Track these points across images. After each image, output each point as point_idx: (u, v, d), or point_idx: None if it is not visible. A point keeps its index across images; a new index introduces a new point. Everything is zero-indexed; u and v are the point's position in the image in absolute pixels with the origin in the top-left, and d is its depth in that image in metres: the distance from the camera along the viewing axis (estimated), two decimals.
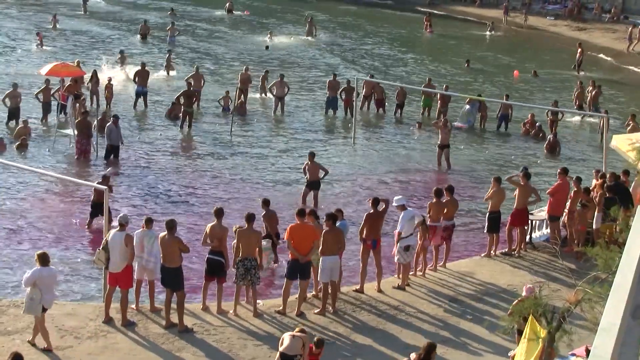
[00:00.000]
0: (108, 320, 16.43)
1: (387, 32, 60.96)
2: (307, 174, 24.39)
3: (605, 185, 21.08)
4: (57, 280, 15.83)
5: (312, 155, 24.69)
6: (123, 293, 16.46)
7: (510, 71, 48.45)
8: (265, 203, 19.93)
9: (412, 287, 18.89)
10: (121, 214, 17.55)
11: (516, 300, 14.87)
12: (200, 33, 55.59)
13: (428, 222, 19.57)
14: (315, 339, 14.62)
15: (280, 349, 14.12)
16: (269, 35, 53.84)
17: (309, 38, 55.83)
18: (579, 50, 49.35)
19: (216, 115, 34.71)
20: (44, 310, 15.31)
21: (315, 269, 17.69)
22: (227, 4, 64.97)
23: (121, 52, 42.66)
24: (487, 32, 63.14)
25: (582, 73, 48.38)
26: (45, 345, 15.30)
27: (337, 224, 17.70)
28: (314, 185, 24.32)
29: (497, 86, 44.51)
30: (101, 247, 16.65)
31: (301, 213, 17.64)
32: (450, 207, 20.15)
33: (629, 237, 4.90)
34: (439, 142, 29.25)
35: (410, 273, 19.35)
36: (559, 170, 22.24)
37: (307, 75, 43.98)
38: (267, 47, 50.67)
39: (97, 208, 21.15)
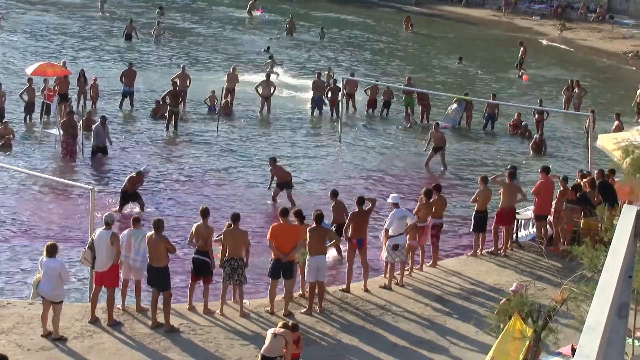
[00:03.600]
0: (94, 320, 16.40)
1: (374, 32, 60.95)
2: (276, 178, 24.63)
3: (598, 182, 21.21)
4: (62, 274, 15.74)
5: (273, 160, 24.80)
6: (109, 292, 16.44)
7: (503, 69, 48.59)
8: (334, 194, 20.12)
9: (398, 287, 18.90)
10: (107, 213, 17.53)
11: (504, 299, 14.93)
12: (202, 32, 55.47)
13: (416, 222, 19.59)
14: (289, 323, 14.63)
15: (262, 350, 14.13)
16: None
17: (289, 36, 56.08)
18: (522, 48, 49.48)
19: (202, 114, 34.64)
20: (54, 302, 15.65)
21: (302, 268, 17.69)
22: (249, 4, 64.77)
23: (270, 56, 43.69)
24: (558, 32, 62.81)
25: (522, 71, 48.77)
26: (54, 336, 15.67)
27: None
28: (285, 185, 24.45)
29: (488, 84, 44.61)
30: (87, 246, 16.64)
31: (284, 213, 17.65)
32: (438, 205, 20.17)
33: (615, 236, 4.91)
34: (433, 145, 29.25)
35: (406, 272, 19.38)
36: (540, 169, 22.34)
37: (298, 74, 43.94)
38: (267, 49, 50.27)
39: (126, 196, 23.02)
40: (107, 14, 58.58)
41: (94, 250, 16.41)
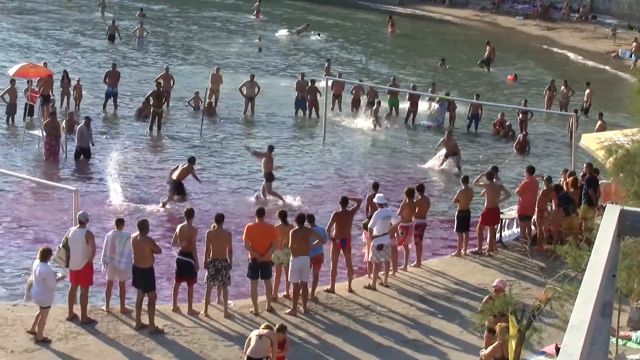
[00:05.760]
0: (72, 318, 16.42)
1: (357, 32, 60.97)
2: (262, 166, 24.66)
3: (586, 178, 21.38)
4: (47, 279, 15.68)
5: (271, 148, 25.06)
6: (83, 290, 16.46)
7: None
8: (375, 187, 20.30)
9: (382, 287, 18.91)
10: (81, 212, 17.42)
11: (486, 297, 14.97)
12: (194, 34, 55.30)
13: (400, 222, 19.54)
14: (277, 325, 14.64)
15: (247, 352, 14.08)
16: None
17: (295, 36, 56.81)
18: (488, 48, 49.64)
19: (186, 115, 34.55)
20: (41, 307, 15.61)
21: (287, 269, 17.68)
22: (255, 6, 64.56)
23: (328, 60, 43.99)
24: (612, 38, 60.05)
25: (492, 70, 49.13)
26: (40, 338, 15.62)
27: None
28: (269, 177, 24.53)
29: (470, 85, 44.68)
30: (61, 244, 16.61)
31: (260, 212, 17.63)
32: (422, 205, 20.18)
33: (598, 235, 4.93)
34: (444, 152, 29.24)
35: (390, 272, 19.37)
36: (525, 169, 22.39)
37: (283, 75, 43.90)
38: (260, 50, 50.42)
39: (179, 187, 23.62)
40: (110, 15, 57.76)
41: (69, 249, 16.39)
